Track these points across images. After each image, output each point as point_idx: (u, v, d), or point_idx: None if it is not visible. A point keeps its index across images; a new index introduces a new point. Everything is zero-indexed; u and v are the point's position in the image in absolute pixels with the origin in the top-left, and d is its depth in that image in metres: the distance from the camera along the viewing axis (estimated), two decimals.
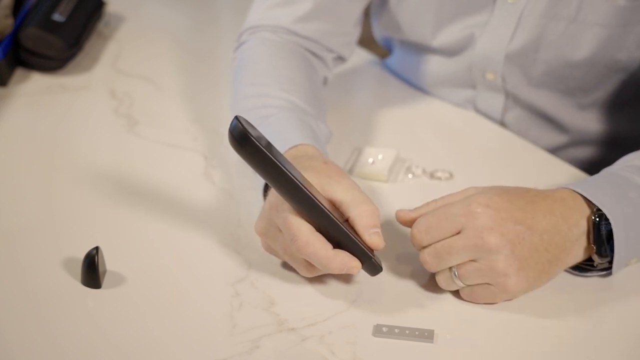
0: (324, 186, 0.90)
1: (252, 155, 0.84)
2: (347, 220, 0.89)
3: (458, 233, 0.87)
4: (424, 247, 0.89)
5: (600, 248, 0.89)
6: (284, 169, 0.84)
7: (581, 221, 0.89)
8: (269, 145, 0.85)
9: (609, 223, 0.89)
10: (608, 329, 0.89)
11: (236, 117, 0.84)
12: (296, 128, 1.01)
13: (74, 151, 1.16)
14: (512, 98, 1.21)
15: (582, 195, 0.90)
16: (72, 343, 0.85)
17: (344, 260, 0.86)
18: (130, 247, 0.98)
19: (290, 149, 0.98)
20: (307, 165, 0.93)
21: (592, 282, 0.93)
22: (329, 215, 0.86)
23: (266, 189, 0.97)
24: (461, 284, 0.88)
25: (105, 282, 0.92)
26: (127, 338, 0.86)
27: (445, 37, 1.20)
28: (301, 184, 0.85)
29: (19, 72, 1.32)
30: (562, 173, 1.11)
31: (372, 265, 0.88)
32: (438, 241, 0.88)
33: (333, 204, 0.90)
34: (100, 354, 0.84)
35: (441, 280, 0.90)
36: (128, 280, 0.93)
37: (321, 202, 0.86)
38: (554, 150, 1.21)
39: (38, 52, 1.31)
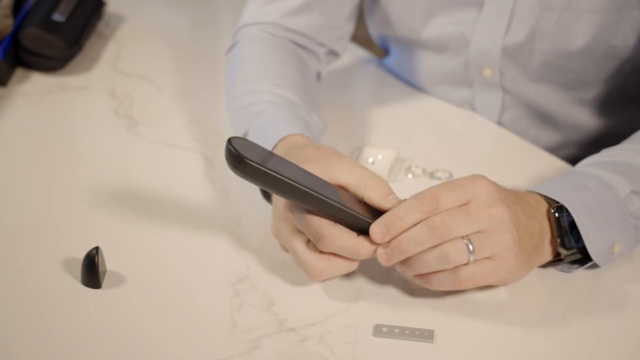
0: (327, 172, 0.89)
1: (253, 176, 0.84)
2: (361, 201, 0.88)
3: (466, 204, 0.86)
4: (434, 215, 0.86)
5: (563, 239, 0.89)
6: (289, 181, 0.84)
7: (545, 215, 0.90)
8: (267, 158, 0.86)
9: (570, 214, 0.89)
10: (608, 328, 0.89)
11: (228, 141, 0.84)
12: (286, 120, 1.02)
13: (74, 151, 1.17)
14: (510, 95, 1.21)
15: (539, 194, 0.91)
16: (72, 343, 0.85)
17: (372, 244, 0.86)
18: (130, 247, 0.98)
19: (281, 140, 0.98)
20: (302, 156, 0.92)
21: (589, 282, 0.93)
22: (346, 210, 0.86)
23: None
24: (472, 257, 0.85)
25: (105, 282, 0.92)
26: (127, 338, 0.86)
27: (435, 31, 1.20)
28: (310, 189, 0.85)
29: (19, 72, 1.32)
30: (561, 171, 1.11)
31: None
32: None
33: (341, 187, 0.89)
34: (100, 354, 0.84)
35: (456, 250, 0.84)
36: (128, 280, 0.93)
37: (333, 199, 0.86)
38: (553, 150, 1.21)
39: (38, 52, 1.31)
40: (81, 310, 0.89)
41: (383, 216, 0.86)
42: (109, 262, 0.93)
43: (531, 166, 1.14)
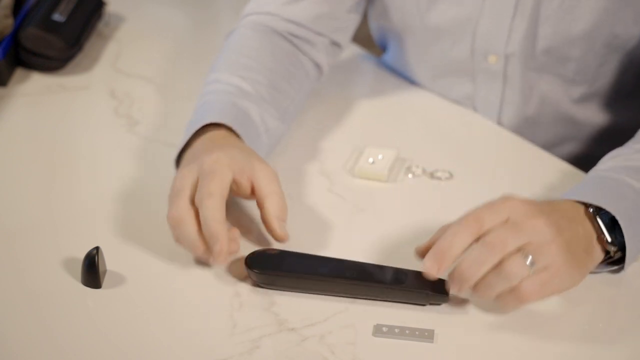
0: (248, 168, 0.94)
1: (276, 278, 0.91)
2: (259, 205, 0.93)
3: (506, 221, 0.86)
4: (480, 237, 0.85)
5: (610, 235, 0.89)
6: (313, 274, 0.90)
7: (584, 218, 0.90)
8: (279, 262, 0.92)
9: (605, 213, 0.89)
10: (612, 328, 0.89)
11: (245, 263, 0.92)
12: (217, 110, 1.03)
13: (74, 151, 1.17)
14: (510, 88, 1.20)
15: (574, 201, 0.91)
16: (72, 343, 0.85)
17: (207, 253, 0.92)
18: (130, 247, 0.98)
19: (201, 130, 1.01)
20: (219, 144, 0.96)
21: (599, 279, 0.93)
22: (377, 286, 0.90)
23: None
24: (531, 269, 0.84)
25: (105, 282, 0.92)
26: (127, 338, 0.86)
27: (441, 15, 1.19)
28: (336, 275, 0.90)
29: (19, 72, 1.32)
30: (560, 171, 1.11)
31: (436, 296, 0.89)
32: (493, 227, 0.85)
33: (252, 186, 0.94)
34: (100, 354, 0.84)
35: (516, 264, 0.84)
36: (128, 280, 0.93)
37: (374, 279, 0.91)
38: (552, 146, 1.21)
39: (38, 52, 1.31)
40: (81, 310, 0.89)
41: (432, 249, 0.86)
42: (109, 262, 0.93)
43: (531, 166, 1.14)
